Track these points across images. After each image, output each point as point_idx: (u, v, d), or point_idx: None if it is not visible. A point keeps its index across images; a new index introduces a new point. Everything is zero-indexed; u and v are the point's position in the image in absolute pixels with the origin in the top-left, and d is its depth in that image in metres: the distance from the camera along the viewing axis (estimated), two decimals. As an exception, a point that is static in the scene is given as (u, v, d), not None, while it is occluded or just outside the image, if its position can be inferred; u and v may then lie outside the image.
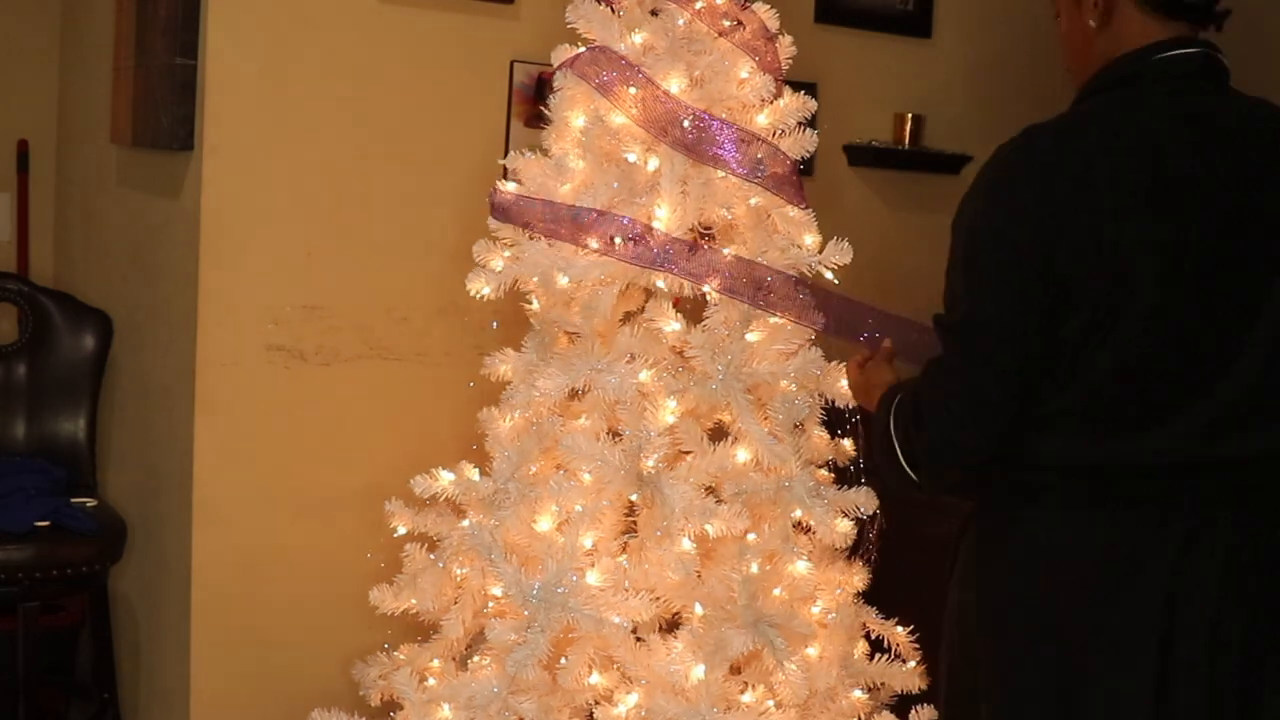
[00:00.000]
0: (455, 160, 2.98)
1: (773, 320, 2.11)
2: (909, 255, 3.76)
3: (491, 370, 2.32)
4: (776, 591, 2.13)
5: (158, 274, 3.04)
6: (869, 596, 2.30)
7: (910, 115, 3.60)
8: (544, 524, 2.05)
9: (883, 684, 2.29)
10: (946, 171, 3.73)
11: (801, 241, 2.11)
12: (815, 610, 2.18)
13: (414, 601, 2.26)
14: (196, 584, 2.85)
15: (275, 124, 2.82)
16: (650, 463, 2.04)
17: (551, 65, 2.23)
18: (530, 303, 2.22)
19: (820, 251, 2.11)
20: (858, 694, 2.24)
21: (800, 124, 2.14)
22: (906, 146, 3.61)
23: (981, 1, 3.78)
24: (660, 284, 2.06)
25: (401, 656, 2.30)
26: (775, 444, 2.09)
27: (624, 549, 2.09)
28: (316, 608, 2.91)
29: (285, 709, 2.85)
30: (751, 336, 2.10)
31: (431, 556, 2.26)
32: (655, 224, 2.06)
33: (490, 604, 2.15)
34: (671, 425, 2.06)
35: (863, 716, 2.24)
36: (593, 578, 2.00)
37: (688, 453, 2.09)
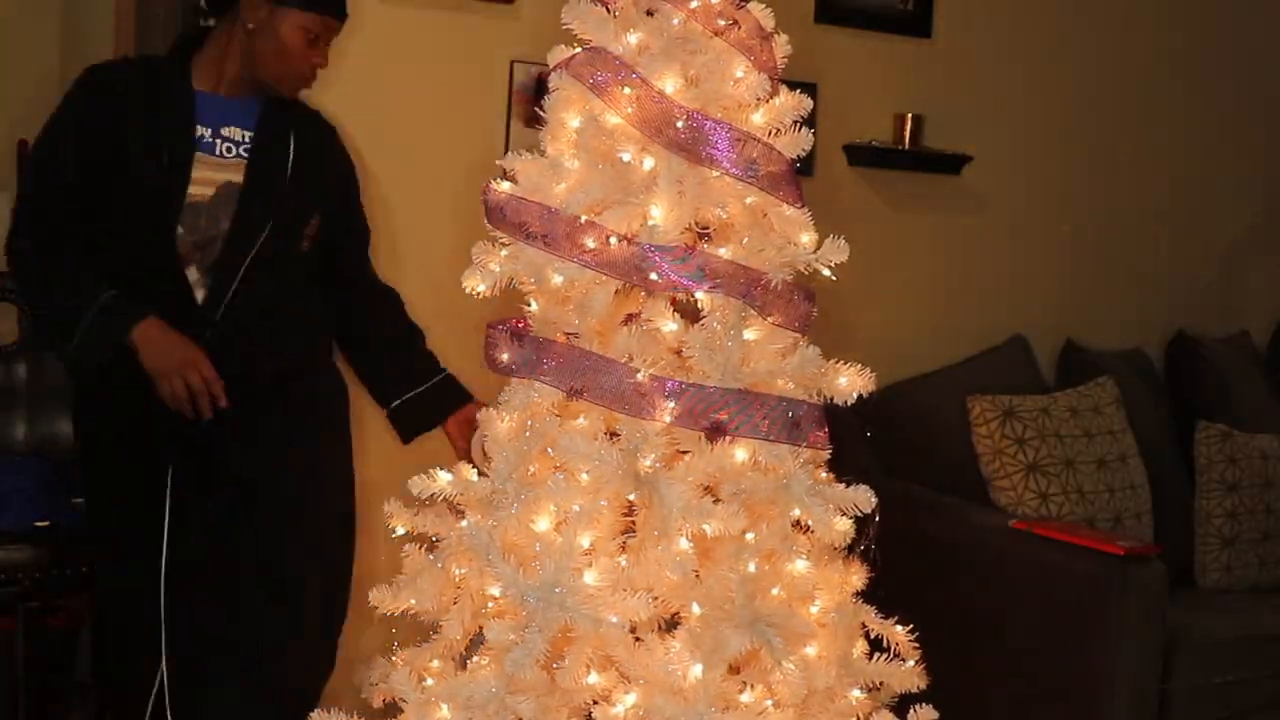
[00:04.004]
0: (455, 160, 2.98)
1: (768, 320, 2.11)
2: (909, 255, 3.76)
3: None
4: (775, 591, 2.13)
5: (157, 274, 3.04)
6: (868, 596, 2.30)
7: (910, 115, 3.60)
8: (542, 524, 2.05)
9: (882, 684, 2.29)
10: (946, 171, 3.74)
11: (798, 240, 2.11)
12: (814, 610, 2.18)
13: (413, 602, 2.26)
14: (196, 584, 2.84)
15: (275, 124, 2.82)
16: (648, 462, 2.04)
17: (550, 66, 2.23)
18: (529, 304, 2.22)
19: (817, 250, 2.11)
20: (857, 694, 2.23)
21: (796, 123, 2.14)
22: (906, 146, 3.62)
23: (981, 1, 3.78)
24: (654, 277, 2.06)
25: (399, 661, 2.30)
26: (774, 446, 2.09)
27: (622, 549, 2.09)
28: (316, 608, 2.91)
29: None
30: (749, 335, 2.10)
31: (430, 557, 2.26)
32: (651, 223, 2.06)
33: (489, 604, 2.15)
34: (669, 425, 2.06)
35: (862, 716, 2.24)
36: (590, 577, 2.00)
37: (685, 452, 2.09)
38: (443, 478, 2.21)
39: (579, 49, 2.17)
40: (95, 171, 2.42)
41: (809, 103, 2.16)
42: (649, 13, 2.17)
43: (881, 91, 3.63)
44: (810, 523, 2.10)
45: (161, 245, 2.43)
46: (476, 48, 3.01)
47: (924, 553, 3.22)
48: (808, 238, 2.12)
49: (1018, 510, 3.44)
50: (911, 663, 2.30)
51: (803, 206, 2.13)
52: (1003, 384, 3.67)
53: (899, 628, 2.31)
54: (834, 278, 2.13)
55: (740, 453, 2.08)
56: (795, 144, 2.12)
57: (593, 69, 2.11)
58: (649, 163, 2.10)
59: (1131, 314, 4.15)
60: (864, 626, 2.29)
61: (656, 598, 2.02)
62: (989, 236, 3.89)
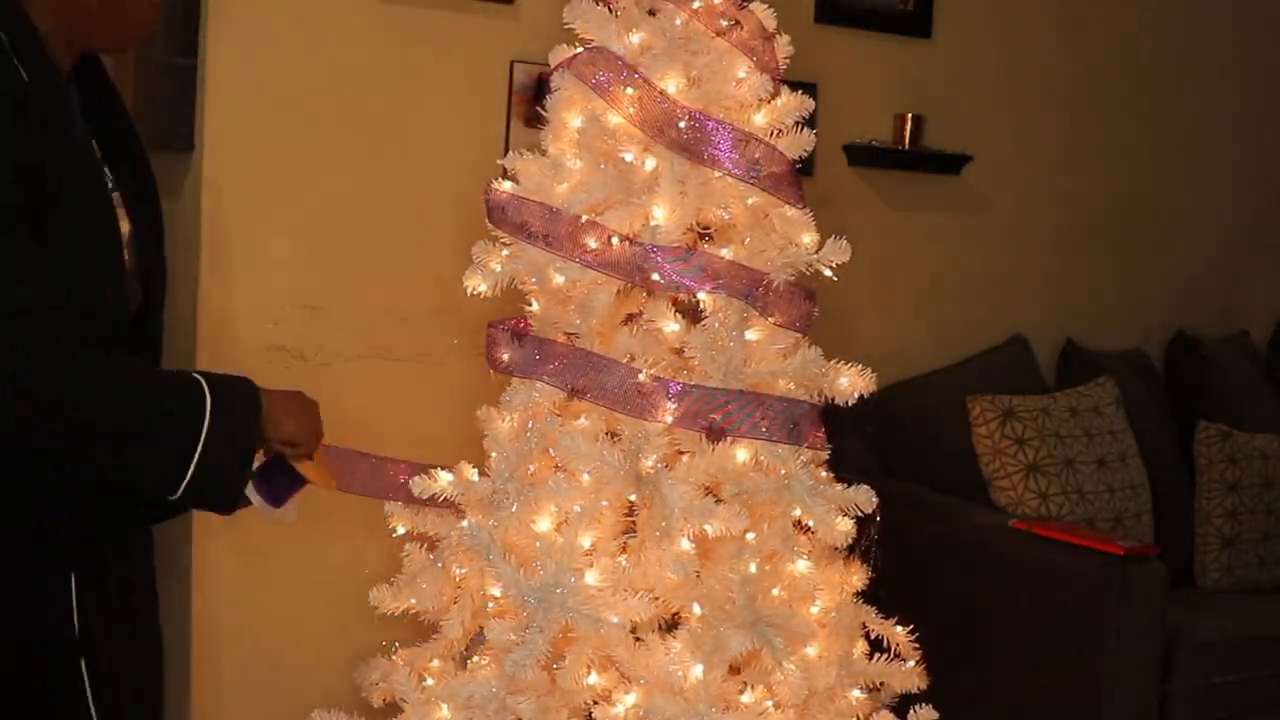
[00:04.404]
0: (455, 160, 2.98)
1: (770, 320, 2.11)
2: (909, 255, 3.76)
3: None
4: (776, 591, 2.13)
5: (158, 274, 3.04)
6: (868, 596, 2.30)
7: (910, 115, 3.60)
8: (543, 524, 2.05)
9: (883, 684, 2.29)
10: (946, 171, 3.74)
11: (799, 241, 2.11)
12: (814, 610, 2.18)
13: (414, 602, 2.26)
14: (196, 584, 2.85)
15: (275, 124, 2.83)
16: (649, 463, 2.04)
17: (550, 65, 2.23)
18: (530, 304, 2.22)
19: (818, 250, 2.11)
20: (857, 694, 2.23)
21: (798, 123, 2.14)
22: (906, 146, 3.61)
23: (981, 1, 3.78)
24: (657, 277, 2.06)
25: (399, 661, 2.30)
26: (775, 447, 2.09)
27: (623, 549, 2.09)
28: (316, 608, 2.91)
29: (285, 710, 2.85)
30: (751, 335, 2.10)
31: (431, 557, 2.26)
32: (653, 224, 2.06)
33: (489, 604, 2.15)
34: (670, 425, 2.06)
35: (862, 716, 2.24)
36: (591, 578, 2.00)
37: (686, 452, 2.09)
38: (444, 478, 2.21)
39: (580, 49, 2.17)
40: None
41: (810, 103, 2.16)
42: (651, 12, 2.17)
43: (881, 91, 3.62)
44: (812, 523, 2.10)
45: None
46: (476, 48, 3.01)
47: (924, 553, 3.22)
48: (809, 238, 2.12)
49: (1018, 510, 3.44)
50: (911, 663, 2.30)
51: (804, 207, 2.13)
52: (1003, 384, 3.67)
53: (899, 628, 2.32)
54: (835, 278, 2.13)
55: (741, 453, 2.08)
56: (797, 144, 2.12)
57: (595, 69, 2.11)
58: (651, 163, 2.10)
59: (1131, 314, 4.14)
60: (864, 626, 2.29)
61: (657, 598, 2.02)
62: (989, 236, 3.88)
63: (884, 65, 3.63)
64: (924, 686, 2.30)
